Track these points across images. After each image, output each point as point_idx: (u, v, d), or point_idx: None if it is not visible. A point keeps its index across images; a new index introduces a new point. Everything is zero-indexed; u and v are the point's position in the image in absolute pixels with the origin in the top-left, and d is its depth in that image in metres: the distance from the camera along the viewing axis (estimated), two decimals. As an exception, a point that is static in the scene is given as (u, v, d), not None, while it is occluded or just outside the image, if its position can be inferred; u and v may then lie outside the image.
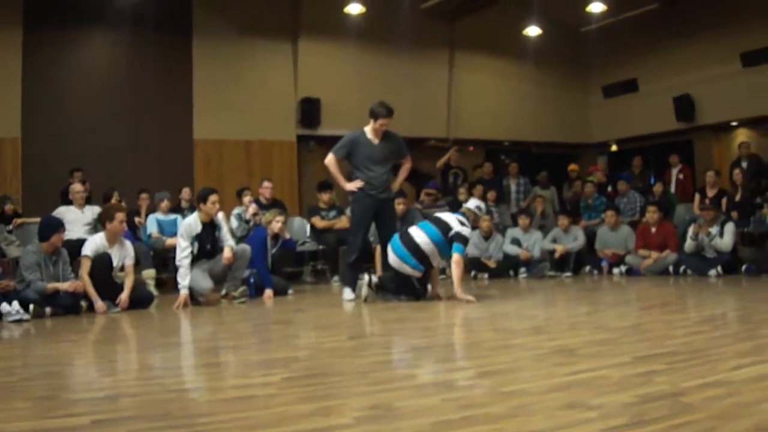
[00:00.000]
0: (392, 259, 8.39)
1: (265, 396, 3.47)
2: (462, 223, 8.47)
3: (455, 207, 13.35)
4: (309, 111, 15.79)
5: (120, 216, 8.61)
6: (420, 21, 16.50)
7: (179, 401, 3.51)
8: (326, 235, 12.09)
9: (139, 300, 8.46)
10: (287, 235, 10.58)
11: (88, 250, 8.27)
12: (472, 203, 9.16)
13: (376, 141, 8.85)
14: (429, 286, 8.66)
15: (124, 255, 8.63)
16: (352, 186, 8.78)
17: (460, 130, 17.84)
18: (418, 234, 8.36)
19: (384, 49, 16.60)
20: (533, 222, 13.07)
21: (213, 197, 8.92)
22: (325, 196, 12.33)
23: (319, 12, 15.78)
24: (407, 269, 8.32)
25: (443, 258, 8.64)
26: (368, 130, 8.88)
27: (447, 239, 8.32)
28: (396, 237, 8.52)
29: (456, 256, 8.30)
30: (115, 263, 8.51)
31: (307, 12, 15.78)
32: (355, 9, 15.60)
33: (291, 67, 16.00)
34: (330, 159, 8.89)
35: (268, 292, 9.33)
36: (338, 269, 11.66)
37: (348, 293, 8.78)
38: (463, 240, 8.40)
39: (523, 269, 12.34)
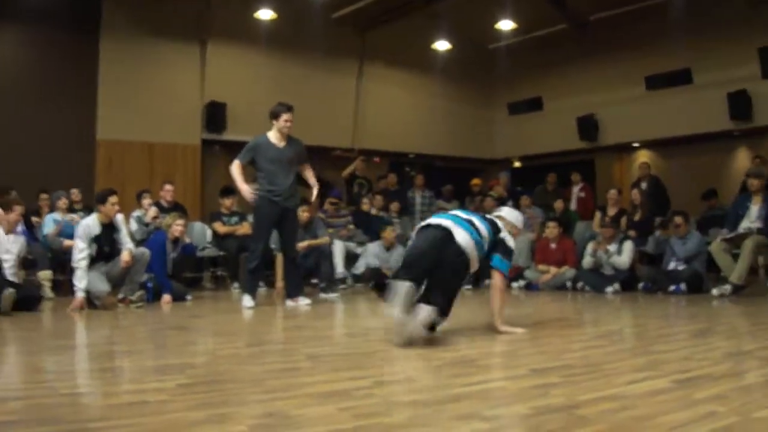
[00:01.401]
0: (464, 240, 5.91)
1: (159, 402, 3.43)
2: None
3: (358, 217, 13.42)
4: (215, 115, 15.66)
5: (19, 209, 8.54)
6: (330, 30, 16.50)
7: (70, 406, 3.44)
8: (227, 241, 12.00)
9: (25, 300, 8.13)
10: (187, 240, 10.50)
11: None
12: (510, 214, 6.80)
13: (281, 144, 8.83)
14: None
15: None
16: (248, 192, 8.73)
17: (366, 140, 17.89)
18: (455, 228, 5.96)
19: (293, 56, 16.56)
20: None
21: (112, 198, 8.79)
22: (227, 202, 12.24)
23: (229, 16, 15.64)
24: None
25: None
26: (272, 134, 8.85)
27: (486, 243, 6.11)
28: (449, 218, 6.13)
29: (497, 278, 6.30)
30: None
31: (217, 16, 15.61)
32: (265, 15, 15.54)
33: (198, 71, 15.85)
34: (235, 165, 8.82)
35: (167, 297, 9.18)
36: (239, 276, 11.62)
37: (247, 300, 8.68)
38: (509, 253, 6.30)
39: (423, 281, 12.39)
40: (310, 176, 9.26)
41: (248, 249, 9.43)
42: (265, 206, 8.76)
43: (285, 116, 8.77)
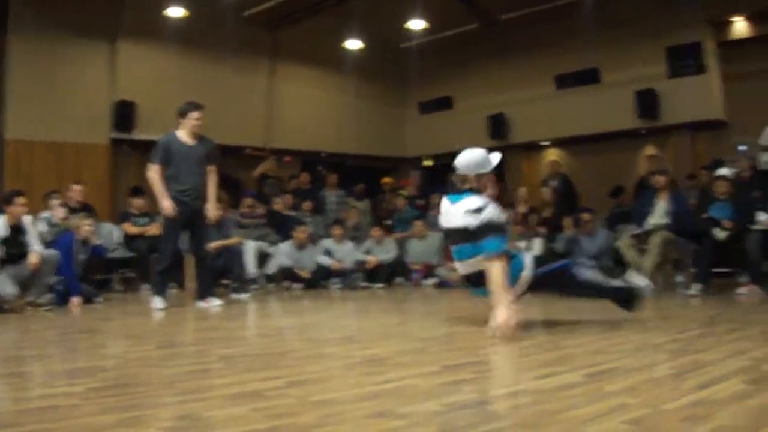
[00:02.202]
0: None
1: (69, 406, 3.36)
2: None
3: (271, 217, 13.37)
4: (124, 114, 15.39)
5: None
6: (242, 28, 16.37)
7: (-24, 411, 3.38)
8: (137, 241, 11.86)
9: None
10: (96, 241, 10.34)
11: None
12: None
13: (191, 142, 8.76)
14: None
15: None
16: (168, 208, 8.59)
17: (277, 139, 17.80)
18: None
19: (204, 54, 16.40)
20: (346, 233, 13.20)
21: (20, 199, 8.64)
22: (137, 202, 12.09)
23: (139, 14, 15.33)
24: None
25: None
26: (181, 132, 8.78)
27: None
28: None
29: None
30: None
31: (127, 13, 15.30)
32: (176, 13, 15.35)
33: (108, 69, 15.54)
34: (154, 170, 8.66)
35: (76, 300, 9.00)
36: (149, 277, 11.50)
37: (158, 302, 8.58)
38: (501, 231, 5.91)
39: (335, 280, 12.43)
40: (212, 182, 9.12)
41: (158, 250, 9.33)
42: (175, 206, 8.66)
43: (195, 114, 8.70)
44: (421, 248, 12.95)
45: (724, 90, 15.46)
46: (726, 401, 3.17)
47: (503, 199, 15.35)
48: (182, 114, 8.76)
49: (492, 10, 16.77)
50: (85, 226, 9.80)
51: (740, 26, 15.40)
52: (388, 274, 13.06)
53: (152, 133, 13.45)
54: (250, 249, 12.09)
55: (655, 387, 3.57)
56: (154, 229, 11.86)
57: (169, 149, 8.68)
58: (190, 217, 8.76)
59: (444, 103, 19.89)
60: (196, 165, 8.82)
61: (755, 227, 9.50)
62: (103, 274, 11.75)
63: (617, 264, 11.20)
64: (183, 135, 8.76)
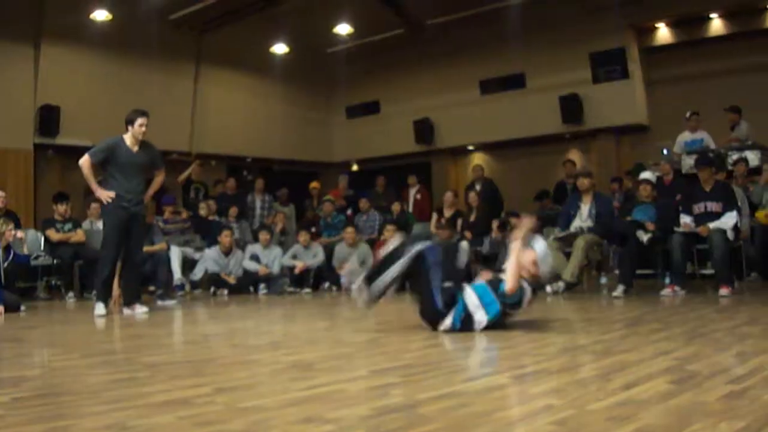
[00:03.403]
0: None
1: (-8, 416, 3.33)
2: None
3: (196, 222, 13.28)
4: (48, 119, 15.15)
5: None
6: (167, 32, 16.28)
7: None
8: (61, 248, 11.68)
9: None
10: (25, 251, 10.17)
11: None
12: None
13: (135, 148, 8.70)
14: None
15: None
16: (106, 195, 8.55)
17: (203, 144, 17.71)
18: None
19: (129, 58, 16.23)
20: (273, 238, 13.16)
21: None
22: (61, 208, 11.91)
23: (63, 17, 15.08)
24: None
25: None
26: (127, 137, 8.70)
27: None
28: None
29: None
30: None
31: (51, 16, 15.09)
32: (101, 15, 15.20)
33: (31, 73, 15.28)
34: (85, 160, 8.54)
35: (-2, 308, 8.89)
36: (73, 285, 11.38)
37: (100, 308, 8.46)
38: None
39: (262, 285, 12.39)
40: (157, 182, 9.23)
41: (100, 257, 9.12)
42: (114, 211, 8.59)
43: (140, 120, 8.66)
44: (349, 253, 12.95)
45: (646, 95, 15.74)
46: (651, 401, 3.22)
47: (428, 205, 15.50)
48: (129, 122, 8.71)
49: (418, 15, 16.86)
50: (8, 231, 9.62)
51: (662, 32, 15.73)
52: (316, 279, 13.06)
53: (77, 137, 13.33)
54: (176, 255, 11.99)
55: (581, 388, 3.62)
56: (78, 236, 11.72)
57: (113, 152, 8.63)
58: (128, 222, 8.68)
59: (371, 108, 19.98)
60: (139, 171, 8.83)
61: (678, 230, 9.67)
62: (27, 282, 11.57)
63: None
64: (128, 141, 8.71)
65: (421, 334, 6.04)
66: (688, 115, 13.13)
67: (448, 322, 5.95)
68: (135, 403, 3.49)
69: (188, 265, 12.64)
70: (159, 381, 4.12)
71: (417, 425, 2.94)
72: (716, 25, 15.16)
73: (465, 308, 5.96)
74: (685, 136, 13.17)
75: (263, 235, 12.83)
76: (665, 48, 15.89)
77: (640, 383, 3.61)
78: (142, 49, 16.21)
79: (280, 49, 18.49)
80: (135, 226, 8.83)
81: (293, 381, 4.03)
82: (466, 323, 5.92)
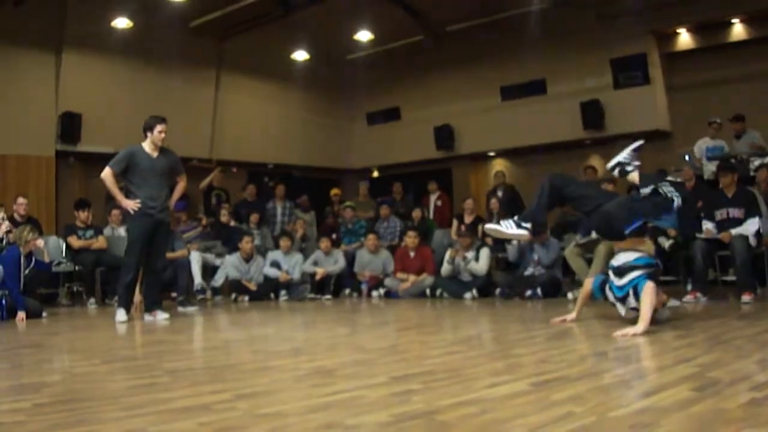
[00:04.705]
0: None
1: (15, 423, 3.30)
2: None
3: (217, 228, 13.30)
4: (69, 126, 15.16)
5: None
6: (188, 39, 16.29)
7: None
8: (83, 255, 11.72)
9: None
10: (47, 259, 10.19)
11: None
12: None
13: (154, 154, 8.74)
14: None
15: None
16: (132, 204, 8.59)
17: (223, 151, 17.70)
18: None
19: (150, 65, 16.21)
20: (294, 244, 13.16)
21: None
22: (82, 215, 11.95)
23: (84, 25, 15.09)
24: None
25: None
26: (146, 144, 8.74)
27: None
28: None
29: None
30: None
31: (72, 24, 15.06)
32: (122, 23, 15.22)
33: (53, 80, 15.29)
34: (108, 173, 8.59)
35: (21, 315, 8.84)
36: (94, 291, 11.40)
37: (121, 314, 8.52)
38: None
39: (283, 291, 12.39)
40: (179, 189, 9.26)
41: (124, 263, 9.12)
42: (140, 218, 8.63)
43: (159, 127, 8.69)
44: (370, 259, 12.95)
45: (668, 101, 15.68)
46: (672, 408, 3.20)
47: (449, 211, 15.48)
48: (148, 128, 8.74)
49: (438, 21, 16.84)
50: (34, 241, 9.66)
51: (684, 38, 15.64)
52: (336, 286, 13.06)
53: (98, 145, 13.38)
54: (196, 261, 12.01)
55: (602, 395, 3.60)
56: (99, 243, 11.77)
57: (133, 161, 8.66)
58: (153, 229, 8.71)
59: (392, 114, 19.92)
60: (160, 177, 8.84)
61: (700, 236, 9.62)
62: (49, 288, 11.61)
63: (564, 272, 11.33)
64: (147, 147, 8.74)
65: (441, 341, 6.03)
66: (713, 120, 13.08)
67: None
68: (156, 409, 3.50)
69: (209, 271, 12.68)
70: (179, 387, 4.13)
71: (437, 432, 2.93)
72: (738, 30, 15.06)
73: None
74: (707, 142, 13.13)
75: (284, 242, 12.84)
76: (686, 53, 15.81)
77: (662, 390, 3.59)
78: (162, 56, 16.23)
79: (300, 56, 18.48)
80: (159, 233, 8.89)
81: (314, 387, 4.03)
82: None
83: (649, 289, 6.14)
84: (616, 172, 6.91)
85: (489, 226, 6.80)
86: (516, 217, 6.65)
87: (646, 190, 6.42)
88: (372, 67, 18.96)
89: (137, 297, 9.36)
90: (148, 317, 8.82)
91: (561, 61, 16.30)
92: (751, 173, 12.08)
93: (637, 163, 6.83)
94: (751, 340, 5.54)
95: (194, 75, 17.14)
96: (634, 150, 6.82)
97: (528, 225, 6.56)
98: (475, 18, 16.19)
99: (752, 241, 9.30)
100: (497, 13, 15.87)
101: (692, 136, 13.77)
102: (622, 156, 6.83)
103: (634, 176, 6.72)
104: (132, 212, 8.60)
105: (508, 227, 6.57)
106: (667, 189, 6.31)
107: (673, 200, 6.27)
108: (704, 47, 15.47)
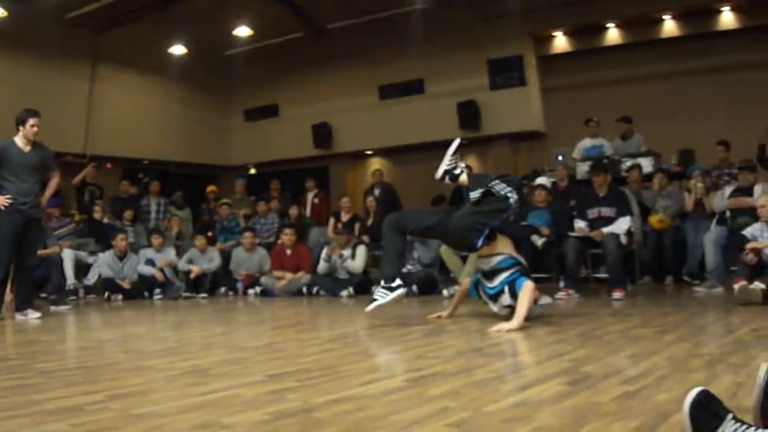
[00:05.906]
0: None
1: None
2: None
3: (90, 225, 13.03)
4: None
5: None
6: (64, 31, 15.93)
7: None
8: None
9: None
10: None
11: None
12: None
13: (27, 149, 8.52)
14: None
15: None
16: (2, 200, 8.34)
17: (98, 146, 17.37)
18: None
19: (23, 57, 15.78)
20: (167, 242, 13.01)
21: None
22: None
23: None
24: None
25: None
26: (18, 138, 8.51)
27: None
28: None
29: None
30: None
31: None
32: (-5, 12, 14.85)
33: None
34: None
35: None
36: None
37: None
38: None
39: (158, 290, 12.22)
40: (52, 185, 9.03)
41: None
42: (11, 213, 8.39)
43: (32, 121, 8.47)
44: (246, 257, 12.87)
45: (542, 102, 16.00)
46: (546, 402, 3.26)
47: (326, 209, 15.50)
48: (21, 121, 8.51)
49: (318, 19, 16.86)
50: None
51: (560, 41, 15.99)
52: (212, 284, 12.94)
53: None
54: (69, 258, 11.75)
55: (476, 390, 3.63)
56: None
57: (4, 155, 8.43)
58: (24, 226, 8.49)
59: (270, 111, 19.90)
60: (32, 172, 8.62)
61: (572, 234, 9.82)
62: None
63: (441, 270, 11.45)
64: (20, 142, 8.53)
65: (317, 338, 6.03)
66: (590, 119, 13.37)
67: None
68: (28, 411, 3.40)
69: (82, 269, 12.42)
70: (52, 388, 4.03)
71: (313, 429, 2.93)
72: (612, 34, 15.47)
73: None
74: (586, 143, 13.43)
75: (155, 240, 12.69)
76: (562, 56, 16.16)
77: (536, 385, 3.65)
78: (37, 47, 15.80)
79: (178, 50, 18.25)
80: (31, 229, 8.67)
81: (188, 387, 3.98)
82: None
83: (528, 287, 6.28)
84: (447, 180, 6.97)
85: (368, 308, 6.62)
86: (382, 283, 6.61)
87: (476, 194, 6.49)
88: (251, 63, 18.88)
89: (8, 296, 9.11)
90: (19, 316, 8.59)
91: (440, 61, 16.51)
92: (623, 173, 12.39)
93: (462, 164, 6.97)
94: (623, 335, 5.68)
95: (70, 68, 16.79)
96: (454, 153, 6.93)
97: (398, 281, 6.56)
98: (355, 17, 16.25)
99: (623, 239, 9.53)
100: (377, 12, 15.95)
101: (566, 137, 14.07)
102: (445, 163, 6.93)
103: (464, 178, 6.78)
104: (2, 208, 8.38)
105: (384, 296, 6.52)
106: (499, 187, 6.39)
107: (507, 197, 6.36)
108: (579, 51, 15.83)
